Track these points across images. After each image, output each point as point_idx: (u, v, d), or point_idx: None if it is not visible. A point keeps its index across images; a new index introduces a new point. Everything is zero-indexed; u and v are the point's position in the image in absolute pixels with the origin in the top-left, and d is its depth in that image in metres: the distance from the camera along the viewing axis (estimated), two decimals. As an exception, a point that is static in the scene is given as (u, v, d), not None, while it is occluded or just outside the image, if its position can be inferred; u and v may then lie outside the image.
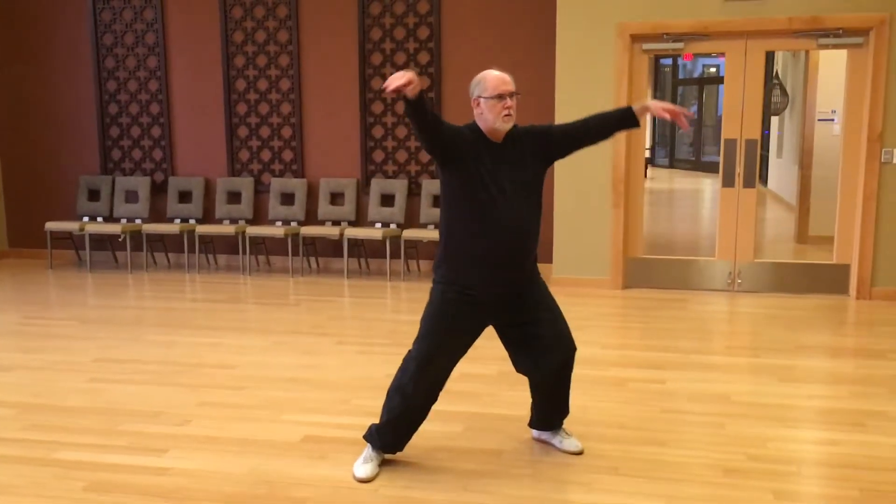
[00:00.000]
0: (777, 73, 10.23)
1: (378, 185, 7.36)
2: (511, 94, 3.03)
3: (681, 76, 19.05)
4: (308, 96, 7.50)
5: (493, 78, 3.04)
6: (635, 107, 3.16)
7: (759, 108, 6.37)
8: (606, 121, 3.20)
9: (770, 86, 9.82)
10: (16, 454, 3.41)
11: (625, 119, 3.17)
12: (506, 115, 3.02)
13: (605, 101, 6.41)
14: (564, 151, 3.23)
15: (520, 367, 3.31)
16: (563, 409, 3.40)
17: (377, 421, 3.31)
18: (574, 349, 3.26)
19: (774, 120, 11.22)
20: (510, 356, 3.32)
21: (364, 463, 3.18)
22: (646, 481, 3.11)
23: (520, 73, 6.99)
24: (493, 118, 3.03)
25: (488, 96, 3.02)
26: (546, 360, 3.21)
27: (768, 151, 12.11)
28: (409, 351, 3.16)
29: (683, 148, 18.60)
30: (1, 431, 3.66)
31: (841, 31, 6.07)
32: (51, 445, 3.49)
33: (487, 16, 7.04)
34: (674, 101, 19.11)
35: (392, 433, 3.19)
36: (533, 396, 3.40)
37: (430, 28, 7.16)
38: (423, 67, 7.22)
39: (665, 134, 19.38)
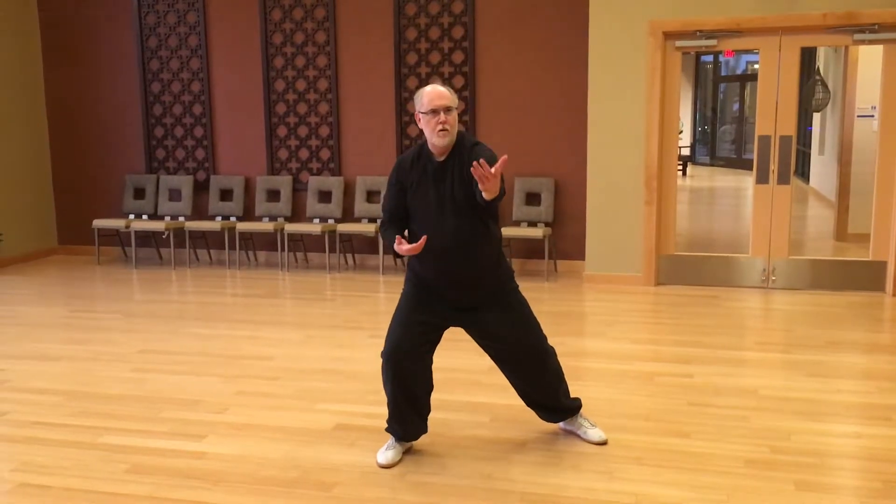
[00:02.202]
0: (819, 68, 10.11)
1: (413, 183, 7.46)
2: (446, 109, 3.04)
3: (723, 73, 18.86)
4: (345, 96, 7.64)
5: (429, 93, 3.07)
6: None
7: (794, 104, 6.34)
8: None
9: (812, 82, 9.71)
10: (63, 438, 3.58)
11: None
12: (441, 131, 3.04)
13: (637, 99, 6.43)
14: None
15: (506, 376, 3.43)
16: (560, 405, 3.45)
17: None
18: (544, 355, 3.30)
19: (816, 116, 11.08)
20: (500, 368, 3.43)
21: (386, 450, 3.30)
22: (667, 471, 3.16)
23: (552, 71, 7.05)
24: (429, 133, 3.07)
25: (424, 111, 3.06)
26: (519, 371, 3.33)
27: (810, 148, 11.96)
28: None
29: (725, 146, 18.42)
30: (49, 417, 3.84)
31: (877, 27, 6.02)
32: (96, 430, 3.67)
33: (521, 15, 7.11)
34: (715, 98, 18.92)
35: (397, 424, 3.31)
36: (522, 399, 3.50)
37: (465, 27, 7.25)
38: (457, 67, 7.31)
39: (706, 131, 19.20)
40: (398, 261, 2.95)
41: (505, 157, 2.83)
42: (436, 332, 3.25)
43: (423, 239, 2.98)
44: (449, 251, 3.09)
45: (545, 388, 3.39)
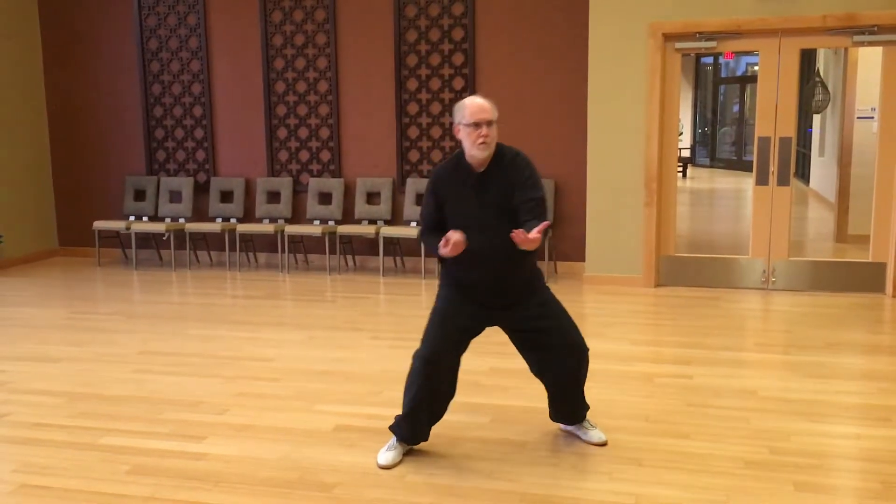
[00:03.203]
0: (818, 70, 10.12)
1: (414, 185, 7.48)
2: (488, 123, 3.07)
3: (723, 74, 18.87)
4: (345, 98, 7.66)
5: (471, 105, 3.10)
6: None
7: (793, 105, 6.35)
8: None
9: (812, 83, 9.72)
10: (64, 439, 3.59)
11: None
12: (481, 143, 3.08)
13: (637, 100, 6.45)
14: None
15: (533, 370, 3.42)
16: (581, 405, 3.48)
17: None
18: (585, 351, 3.34)
19: (816, 118, 11.09)
20: (530, 365, 3.42)
21: (387, 451, 3.31)
22: (666, 472, 3.17)
23: (552, 73, 7.06)
24: (469, 145, 3.11)
25: (465, 123, 3.09)
26: (557, 367, 3.32)
27: (810, 150, 11.97)
28: (417, 349, 3.28)
29: (725, 147, 18.42)
30: (50, 418, 3.85)
31: (876, 28, 6.03)
32: (97, 432, 3.67)
33: (521, 17, 7.12)
34: (715, 99, 18.93)
35: (408, 426, 3.31)
36: (549, 398, 3.49)
37: (465, 29, 7.26)
38: (457, 68, 7.32)
39: (706, 133, 19.21)
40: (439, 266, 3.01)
41: (546, 222, 2.93)
42: (473, 335, 3.29)
43: (461, 235, 2.96)
44: (491, 258, 3.14)
45: (578, 384, 3.39)
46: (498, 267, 3.17)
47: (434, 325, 3.25)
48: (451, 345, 3.25)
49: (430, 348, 3.21)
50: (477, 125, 3.07)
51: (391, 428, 3.36)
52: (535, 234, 2.85)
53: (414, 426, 3.31)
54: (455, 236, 2.96)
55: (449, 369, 3.28)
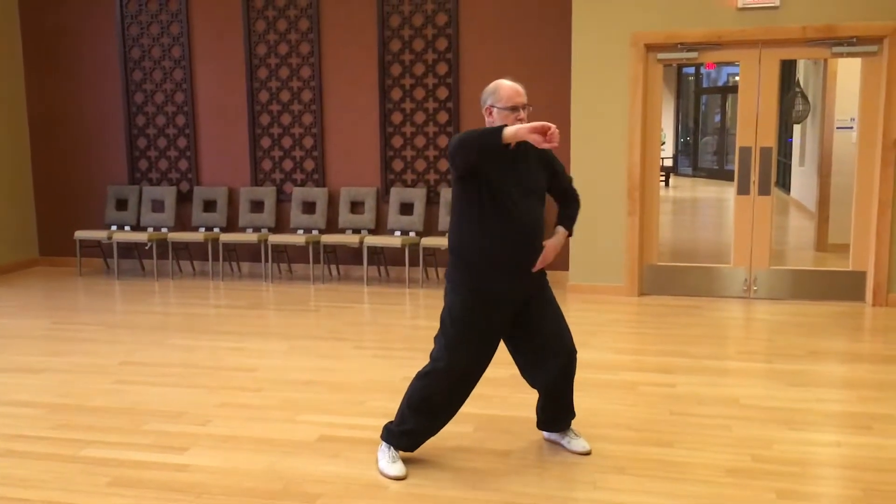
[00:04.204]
0: (798, 81, 10.23)
1: (397, 194, 7.49)
2: (524, 107, 3.11)
3: (704, 85, 19.02)
4: (329, 107, 7.65)
5: (508, 88, 3.11)
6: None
7: (774, 116, 6.42)
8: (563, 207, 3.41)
9: (792, 94, 9.82)
10: (44, 451, 3.55)
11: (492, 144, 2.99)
12: None
13: (620, 110, 6.49)
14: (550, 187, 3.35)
15: (526, 371, 3.40)
16: (570, 411, 3.49)
17: (388, 422, 3.40)
18: (575, 352, 3.35)
19: (797, 128, 11.19)
20: (516, 361, 3.41)
21: (393, 462, 3.26)
22: (650, 480, 3.18)
23: (536, 83, 7.10)
24: None
25: (502, 107, 3.10)
26: (551, 365, 3.31)
27: (791, 160, 12.08)
28: (434, 364, 3.21)
29: (707, 157, 18.55)
30: (30, 430, 3.81)
31: (855, 40, 6.11)
32: (77, 443, 3.64)
33: (505, 27, 7.16)
34: (696, 109, 19.07)
35: (415, 439, 3.30)
36: (539, 399, 3.49)
37: (449, 39, 7.29)
38: (441, 78, 7.34)
39: (688, 143, 19.35)
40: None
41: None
42: (499, 342, 3.29)
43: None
44: (527, 230, 3.15)
45: (569, 389, 3.40)
46: (531, 240, 3.16)
47: (469, 336, 3.16)
48: (486, 357, 3.23)
49: (467, 360, 3.19)
50: (514, 109, 3.09)
51: (388, 439, 3.31)
52: (548, 255, 3.16)
53: (420, 438, 3.31)
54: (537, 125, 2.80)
55: (475, 382, 3.27)
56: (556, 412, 3.47)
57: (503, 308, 3.20)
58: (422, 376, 3.24)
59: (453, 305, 3.19)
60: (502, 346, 3.34)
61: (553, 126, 2.80)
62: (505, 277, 3.16)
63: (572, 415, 3.50)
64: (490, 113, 3.14)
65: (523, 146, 3.17)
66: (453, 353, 3.17)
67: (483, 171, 3.07)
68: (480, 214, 3.10)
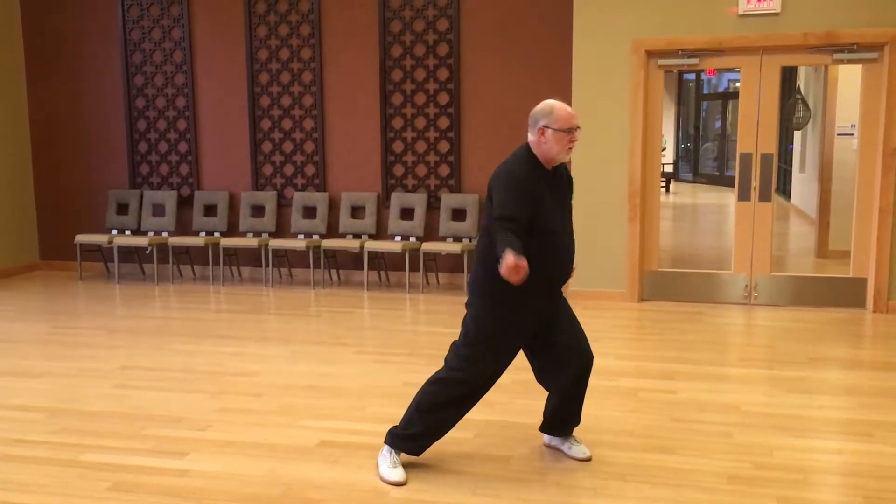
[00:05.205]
0: (799, 87, 10.24)
1: (398, 199, 7.49)
2: (577, 129, 3.19)
3: (705, 91, 19.05)
4: (330, 112, 7.66)
5: (564, 110, 3.18)
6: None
7: (774, 122, 6.42)
8: None
9: (793, 100, 9.83)
10: (44, 456, 3.55)
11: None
12: (570, 148, 3.19)
13: (620, 116, 6.50)
14: None
15: (543, 377, 3.42)
16: (578, 416, 3.49)
17: (392, 426, 3.39)
18: (592, 358, 3.38)
19: (797, 134, 11.20)
20: (533, 366, 3.43)
21: (393, 468, 3.26)
22: (651, 487, 3.17)
23: (536, 89, 7.10)
24: (557, 149, 3.16)
25: (558, 128, 3.14)
26: (568, 370, 3.32)
27: (791, 166, 12.08)
28: (450, 372, 3.23)
29: (707, 163, 18.57)
30: (30, 434, 3.80)
31: (856, 47, 6.11)
32: (77, 448, 3.63)
33: (506, 33, 7.17)
34: (697, 115, 19.09)
35: (422, 441, 3.31)
36: (550, 402, 3.49)
37: (450, 45, 7.30)
38: (442, 83, 7.35)
39: (689, 149, 19.36)
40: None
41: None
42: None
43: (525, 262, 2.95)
44: (568, 249, 3.27)
45: (583, 395, 3.42)
46: (570, 261, 3.30)
47: (486, 353, 3.21)
48: (502, 368, 3.30)
49: (484, 375, 3.25)
50: (570, 131, 3.15)
51: (393, 444, 3.30)
52: None
53: (427, 442, 3.31)
54: (524, 263, 2.93)
55: (488, 390, 3.34)
56: (567, 416, 3.48)
57: (534, 325, 3.26)
58: (435, 381, 3.26)
59: (485, 321, 3.20)
60: None
61: (523, 264, 2.93)
62: (546, 295, 3.24)
63: (578, 421, 3.50)
64: (543, 133, 3.16)
65: (557, 171, 3.26)
66: (475, 366, 3.22)
67: (538, 205, 3.13)
68: (527, 235, 3.09)
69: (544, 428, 3.56)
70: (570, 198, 3.37)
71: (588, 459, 3.43)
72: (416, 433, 3.28)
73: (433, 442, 3.34)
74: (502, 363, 3.28)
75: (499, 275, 3.03)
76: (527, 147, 3.21)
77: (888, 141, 6.11)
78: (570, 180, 3.38)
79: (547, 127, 3.15)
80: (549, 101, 3.22)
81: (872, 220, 6.29)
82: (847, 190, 7.60)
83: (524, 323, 3.23)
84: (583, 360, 3.32)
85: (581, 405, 3.46)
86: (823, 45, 6.16)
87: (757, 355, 5.10)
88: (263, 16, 7.66)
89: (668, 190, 16.55)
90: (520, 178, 3.11)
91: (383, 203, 7.62)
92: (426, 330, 5.83)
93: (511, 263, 2.90)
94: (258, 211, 7.87)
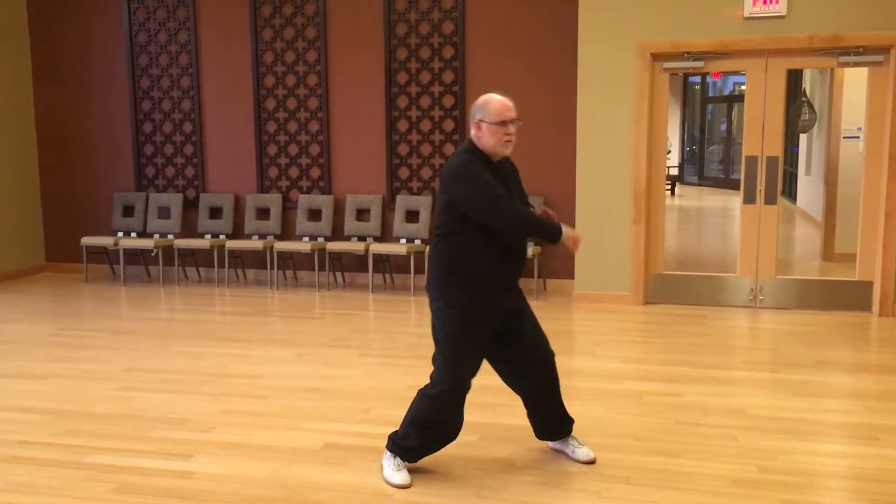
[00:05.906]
0: (805, 90, 10.22)
1: (403, 202, 7.49)
2: (513, 121, 3.12)
3: (710, 94, 19.03)
4: (335, 115, 7.67)
5: (498, 103, 3.13)
6: (565, 230, 3.17)
7: (780, 125, 6.41)
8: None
9: (798, 103, 9.81)
10: (49, 457, 3.56)
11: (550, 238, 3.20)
12: (507, 141, 3.13)
13: (626, 119, 6.49)
14: None
15: (507, 379, 3.42)
16: (563, 419, 3.48)
17: (395, 430, 3.39)
18: (553, 354, 3.39)
19: (803, 137, 11.18)
20: (496, 370, 3.42)
21: (398, 470, 3.25)
22: (655, 490, 3.16)
23: (542, 92, 7.11)
24: (493, 142, 3.13)
25: (491, 121, 3.11)
26: (533, 371, 3.34)
27: (797, 169, 12.06)
28: (436, 387, 3.20)
29: (713, 166, 18.55)
30: (36, 436, 3.81)
31: (862, 49, 6.10)
32: (82, 450, 3.64)
33: (511, 35, 7.17)
34: (702, 118, 19.08)
35: (417, 453, 3.29)
36: (528, 408, 3.49)
37: (455, 48, 7.30)
38: (447, 86, 7.35)
39: (694, 151, 19.34)
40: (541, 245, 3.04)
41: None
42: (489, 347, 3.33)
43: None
44: (522, 242, 3.26)
45: (555, 393, 3.42)
46: (523, 252, 3.27)
47: (458, 354, 3.18)
48: (476, 368, 3.27)
49: (465, 378, 3.21)
50: (504, 124, 3.10)
51: (393, 450, 3.30)
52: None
53: (422, 454, 3.30)
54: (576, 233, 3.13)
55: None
56: (548, 419, 3.47)
57: (497, 318, 3.23)
58: (425, 397, 3.23)
59: (448, 322, 3.19)
60: None
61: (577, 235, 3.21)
62: (502, 287, 3.21)
63: (568, 422, 3.49)
64: (479, 127, 3.13)
65: (505, 160, 3.25)
66: (455, 371, 3.18)
67: None
68: (480, 226, 3.10)
69: (538, 435, 3.55)
70: (520, 183, 3.35)
71: (592, 462, 3.42)
72: (411, 447, 3.27)
73: (429, 454, 3.33)
74: (476, 364, 3.26)
75: (454, 276, 3.11)
76: (470, 141, 3.19)
77: (894, 144, 6.09)
78: (516, 170, 3.34)
79: (482, 121, 3.12)
80: (487, 95, 3.18)
81: (878, 224, 6.27)
82: (853, 193, 7.58)
83: (487, 318, 3.19)
84: (545, 361, 3.35)
85: (561, 402, 3.45)
86: (829, 48, 6.15)
87: (762, 359, 5.08)
88: (269, 18, 7.68)
89: (673, 193, 16.53)
90: (472, 164, 3.09)
91: (388, 206, 7.62)
92: (430, 332, 5.82)
93: (575, 235, 3.15)
94: (263, 213, 7.88)
